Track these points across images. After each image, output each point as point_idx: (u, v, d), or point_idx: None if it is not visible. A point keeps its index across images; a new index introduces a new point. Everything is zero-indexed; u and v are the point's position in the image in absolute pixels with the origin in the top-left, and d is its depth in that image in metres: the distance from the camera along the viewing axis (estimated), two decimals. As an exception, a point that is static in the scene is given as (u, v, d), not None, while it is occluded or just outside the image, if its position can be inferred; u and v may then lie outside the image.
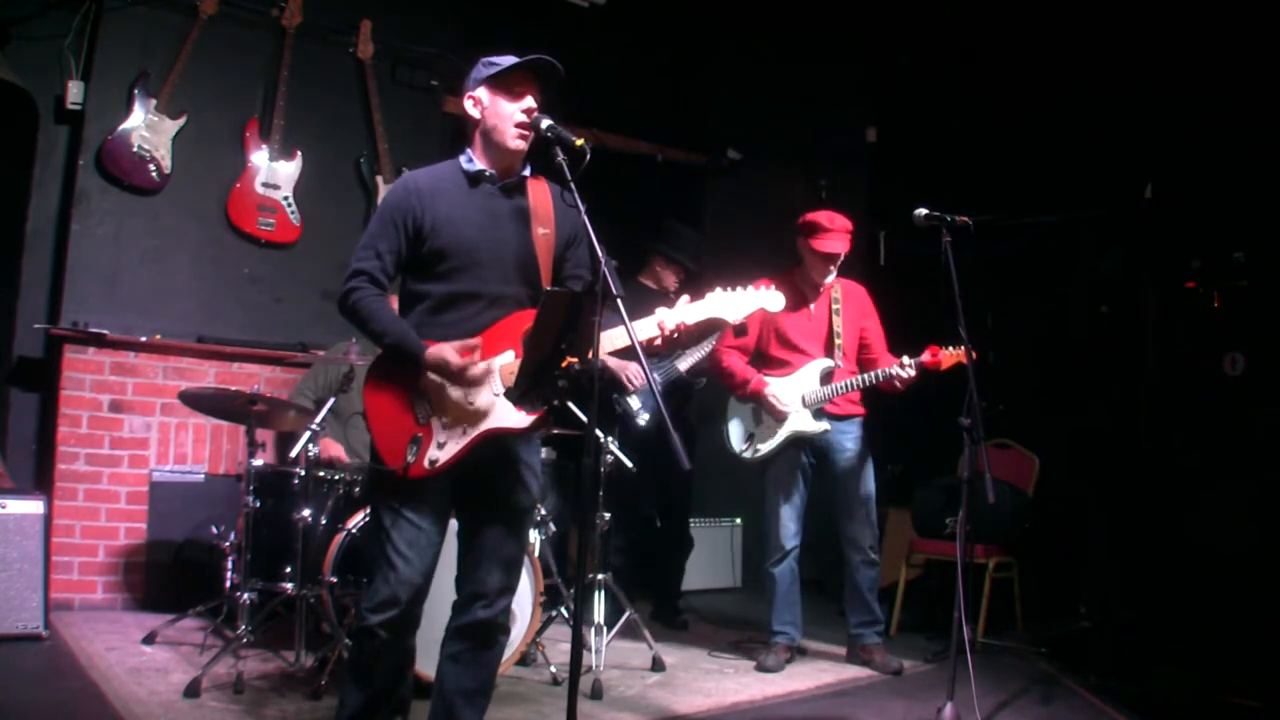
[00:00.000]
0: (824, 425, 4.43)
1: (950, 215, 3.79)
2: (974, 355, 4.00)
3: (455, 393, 2.68)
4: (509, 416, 2.69)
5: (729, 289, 2.75)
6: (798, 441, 4.46)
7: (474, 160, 2.80)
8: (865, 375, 4.37)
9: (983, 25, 5.83)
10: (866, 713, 3.88)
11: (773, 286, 2.78)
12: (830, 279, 4.50)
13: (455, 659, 2.78)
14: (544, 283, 2.78)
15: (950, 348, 4.15)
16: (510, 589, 2.81)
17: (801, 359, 4.47)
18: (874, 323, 4.61)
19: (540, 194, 2.83)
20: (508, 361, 2.71)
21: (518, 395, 2.67)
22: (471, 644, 2.78)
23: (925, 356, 4.20)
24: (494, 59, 2.76)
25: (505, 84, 2.73)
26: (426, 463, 2.67)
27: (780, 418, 4.41)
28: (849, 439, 4.49)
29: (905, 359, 4.24)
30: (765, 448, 4.47)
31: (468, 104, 2.79)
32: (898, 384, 4.28)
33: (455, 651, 2.78)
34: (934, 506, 5.09)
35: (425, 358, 2.66)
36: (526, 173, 2.83)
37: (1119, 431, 5.50)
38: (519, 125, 2.72)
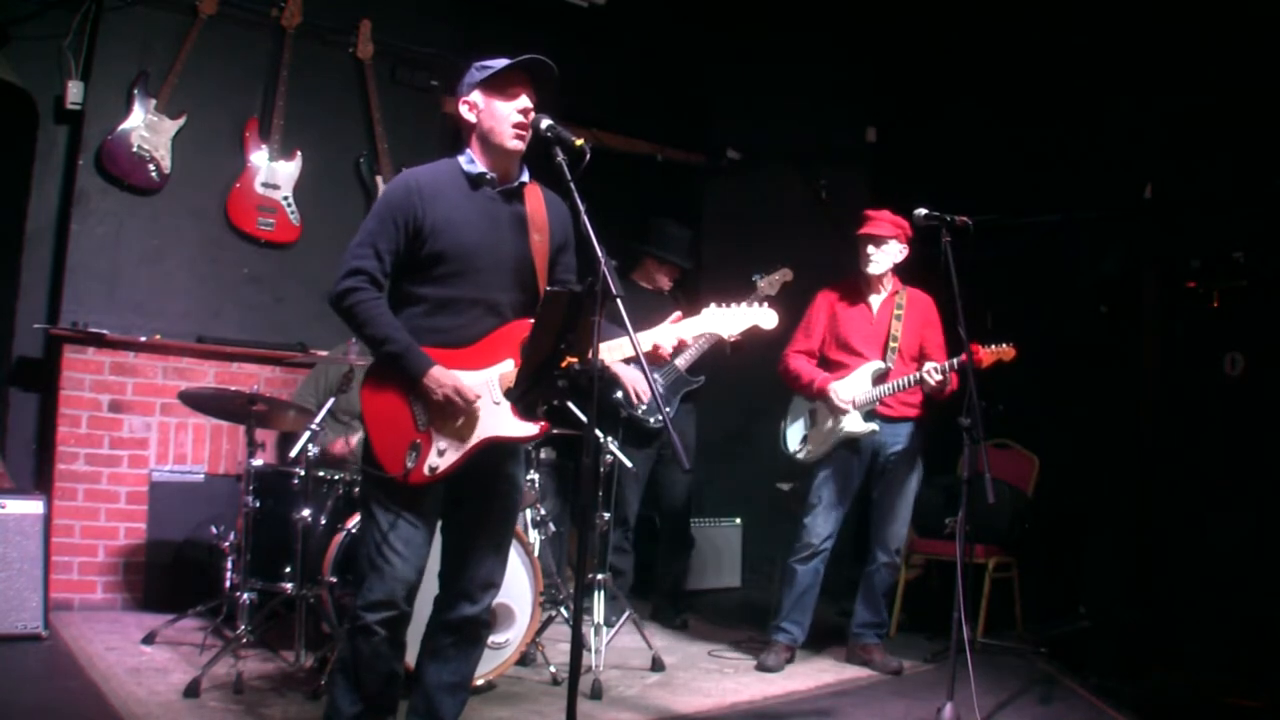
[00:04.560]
0: (872, 426, 4.41)
1: (950, 215, 3.79)
2: (1013, 354, 4.03)
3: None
4: (509, 425, 2.69)
5: (724, 305, 2.79)
6: (848, 442, 4.44)
7: (475, 162, 2.78)
8: (905, 379, 4.30)
9: (982, 25, 5.82)
10: (866, 713, 3.88)
11: (766, 304, 2.83)
12: (878, 270, 4.42)
13: (438, 654, 2.78)
14: (539, 290, 2.77)
15: (991, 345, 4.12)
16: (496, 584, 2.80)
17: (858, 361, 4.46)
18: (935, 332, 4.53)
19: (535, 199, 2.83)
20: (507, 370, 2.70)
21: (518, 395, 2.66)
22: (456, 639, 2.77)
23: (963, 356, 4.14)
24: (486, 62, 2.74)
25: (499, 86, 2.72)
26: (426, 469, 2.65)
27: (840, 413, 4.39)
28: (899, 440, 4.47)
29: (951, 361, 4.18)
30: (819, 450, 4.48)
31: (463, 109, 2.78)
32: (940, 389, 4.20)
33: (439, 646, 2.78)
34: (934, 506, 5.09)
35: (426, 381, 2.63)
36: (525, 178, 2.82)
37: (1119, 431, 5.50)
38: (516, 126, 2.71)
